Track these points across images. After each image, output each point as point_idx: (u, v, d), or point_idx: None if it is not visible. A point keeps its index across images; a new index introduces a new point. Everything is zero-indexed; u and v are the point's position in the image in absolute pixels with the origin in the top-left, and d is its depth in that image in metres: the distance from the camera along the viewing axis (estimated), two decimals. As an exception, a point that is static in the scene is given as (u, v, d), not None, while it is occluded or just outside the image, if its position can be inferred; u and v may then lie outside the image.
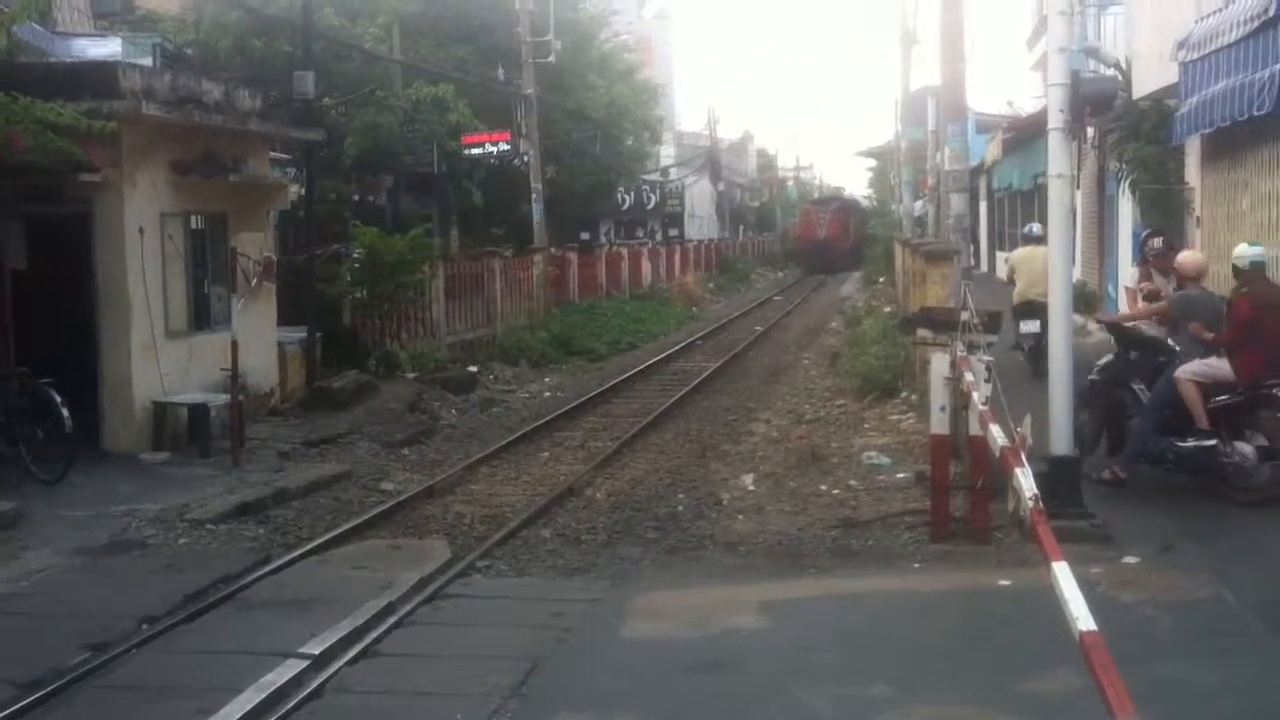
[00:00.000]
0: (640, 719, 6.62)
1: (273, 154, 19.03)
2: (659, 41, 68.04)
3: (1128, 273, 17.50)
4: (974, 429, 9.59)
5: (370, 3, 31.18)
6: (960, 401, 10.08)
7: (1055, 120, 9.94)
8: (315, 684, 7.23)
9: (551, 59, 30.76)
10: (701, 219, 63.82)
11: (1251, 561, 8.89)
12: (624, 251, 40.19)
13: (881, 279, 40.57)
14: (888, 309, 27.55)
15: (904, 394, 16.71)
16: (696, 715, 6.72)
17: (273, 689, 7.08)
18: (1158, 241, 12.99)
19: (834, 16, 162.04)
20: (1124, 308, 14.31)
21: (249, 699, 6.93)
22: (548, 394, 20.63)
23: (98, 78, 13.74)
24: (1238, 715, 6.44)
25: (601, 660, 7.58)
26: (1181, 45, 13.55)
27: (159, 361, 14.27)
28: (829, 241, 62.39)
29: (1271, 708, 6.50)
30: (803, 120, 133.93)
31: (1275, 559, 8.94)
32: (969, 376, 9.68)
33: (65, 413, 12.28)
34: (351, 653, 7.76)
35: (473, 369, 21.38)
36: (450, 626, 8.47)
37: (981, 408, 9.05)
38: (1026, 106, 35.99)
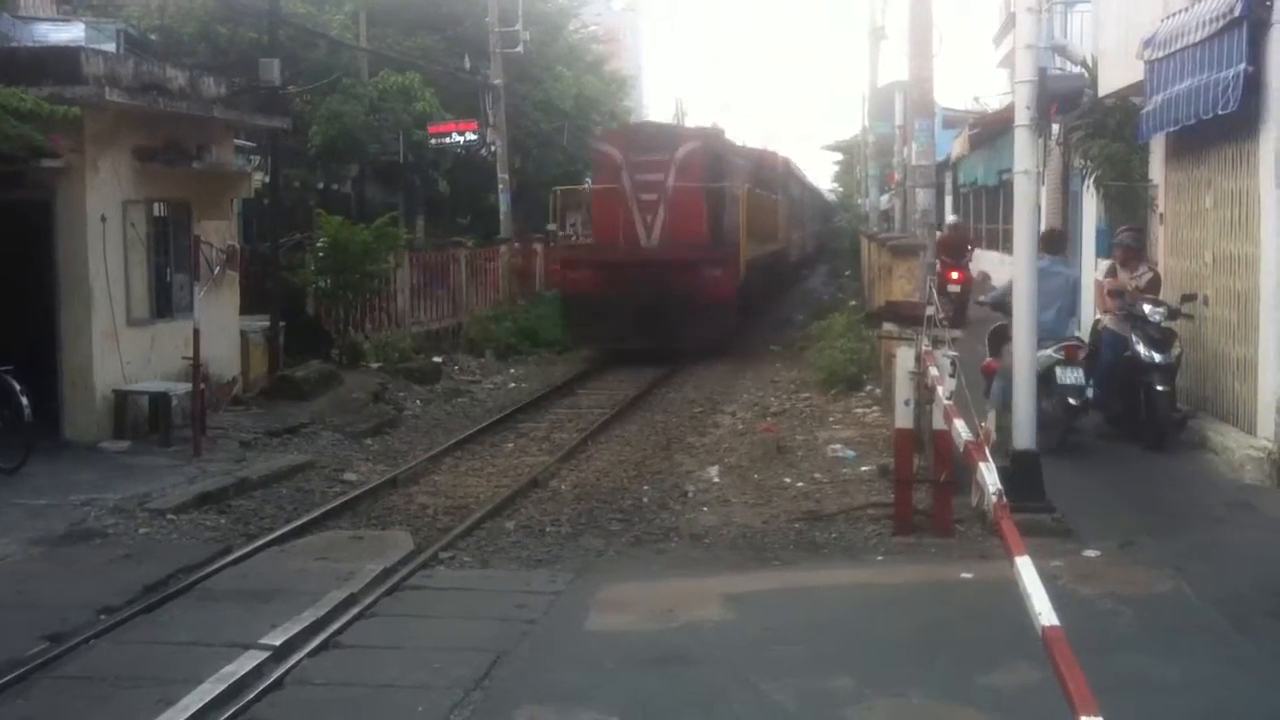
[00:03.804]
0: (604, 712, 6.60)
1: (237, 141, 18.89)
2: (627, 33, 67.98)
3: (1091, 266, 17.59)
4: (938, 423, 9.63)
5: (337, -10, 30.99)
6: (925, 396, 10.11)
7: (1022, 117, 9.97)
8: (275, 675, 7.19)
9: (520, 49, 30.66)
10: (669, 211, 63.29)
11: (1211, 557, 8.95)
12: (591, 243, 39.95)
13: (848, 272, 40.64)
14: (853, 302, 27.65)
15: (869, 388, 16.77)
16: (660, 708, 6.70)
17: (232, 680, 7.04)
18: (1124, 237, 13.25)
19: (802, 10, 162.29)
20: (1096, 301, 14.69)
21: (208, 690, 6.88)
22: (513, 385, 20.57)
23: (60, 63, 13.60)
24: (1198, 710, 6.48)
25: (565, 652, 7.56)
26: (1148, 43, 13.60)
27: (120, 350, 14.14)
28: (668, 260, 22.97)
29: (1230, 701, 6.54)
30: (770, 113, 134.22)
31: (1234, 555, 9.01)
32: (933, 371, 9.72)
33: (24, 401, 12.16)
34: (313, 644, 7.72)
35: (438, 359, 21.31)
36: (413, 618, 8.43)
37: (946, 403, 9.08)
38: (993, 103, 36.12)
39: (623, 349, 22.59)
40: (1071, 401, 11.62)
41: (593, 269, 23.27)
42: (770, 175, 34.31)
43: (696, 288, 22.42)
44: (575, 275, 23.75)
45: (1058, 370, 11.62)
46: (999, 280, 17.90)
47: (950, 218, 25.05)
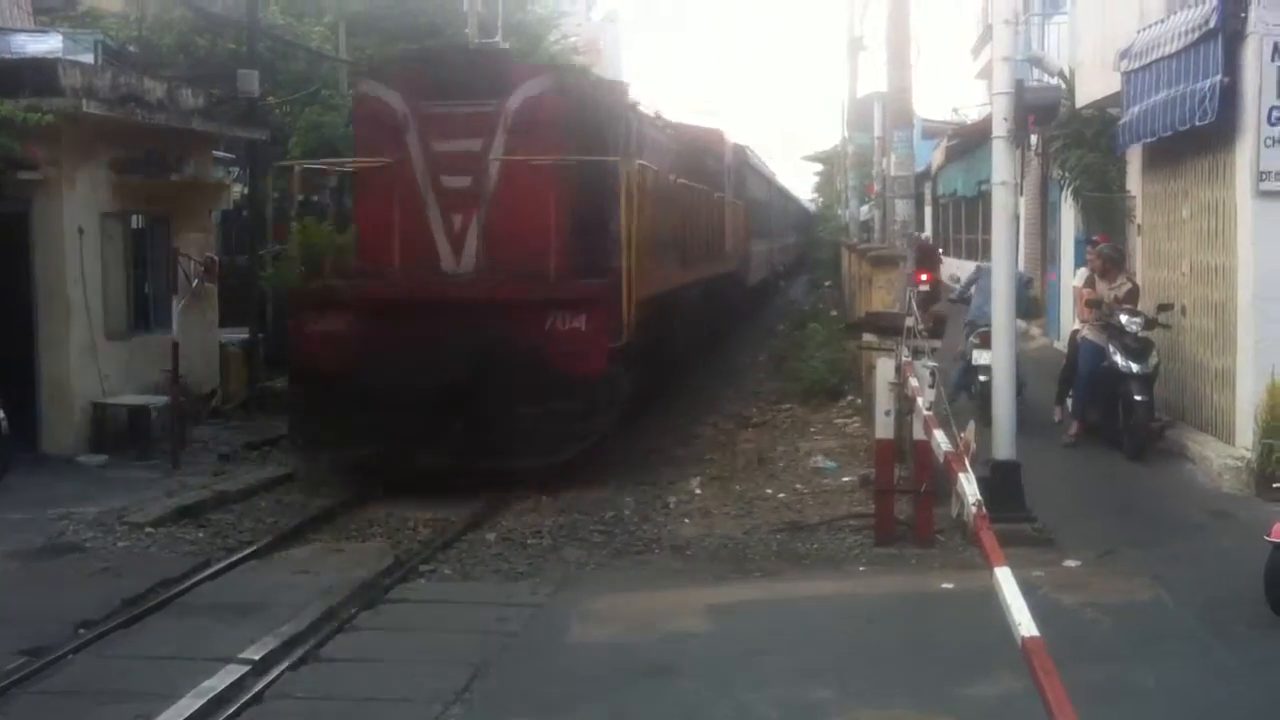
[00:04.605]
0: (585, 724, 6.60)
1: (216, 153, 18.83)
2: (607, 43, 67.91)
3: (1070, 277, 17.70)
4: (918, 434, 9.66)
5: (316, 1, 30.92)
6: (905, 406, 10.14)
7: (999, 128, 10.03)
8: (255, 689, 7.15)
9: (499, 60, 30.60)
10: (648, 222, 63.00)
11: (1191, 566, 9.00)
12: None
13: (828, 283, 40.57)
14: (833, 312, 27.68)
15: (849, 398, 16.79)
16: (641, 720, 6.70)
17: (212, 695, 7.00)
18: (1103, 248, 13.36)
19: (782, 21, 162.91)
20: (1071, 308, 15.16)
21: (188, 705, 6.84)
22: (494, 396, 20.48)
23: (38, 75, 13.53)
24: (1177, 717, 6.51)
25: (547, 665, 7.55)
26: (1124, 55, 13.70)
27: (98, 363, 14.08)
28: (488, 299, 12.35)
29: (1210, 710, 6.57)
30: (750, 123, 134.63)
31: (1214, 563, 9.05)
32: (913, 381, 9.74)
33: (1, 414, 12.09)
34: (292, 658, 7.69)
35: (418, 371, 21.19)
36: (393, 631, 8.40)
37: (926, 413, 9.11)
38: (971, 114, 36.19)
39: (395, 466, 12.34)
40: (982, 379, 12.55)
41: (350, 316, 12.73)
42: (714, 165, 23.26)
43: (538, 352, 12.18)
44: (316, 328, 12.79)
45: (974, 353, 13.14)
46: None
47: (920, 233, 26.06)
